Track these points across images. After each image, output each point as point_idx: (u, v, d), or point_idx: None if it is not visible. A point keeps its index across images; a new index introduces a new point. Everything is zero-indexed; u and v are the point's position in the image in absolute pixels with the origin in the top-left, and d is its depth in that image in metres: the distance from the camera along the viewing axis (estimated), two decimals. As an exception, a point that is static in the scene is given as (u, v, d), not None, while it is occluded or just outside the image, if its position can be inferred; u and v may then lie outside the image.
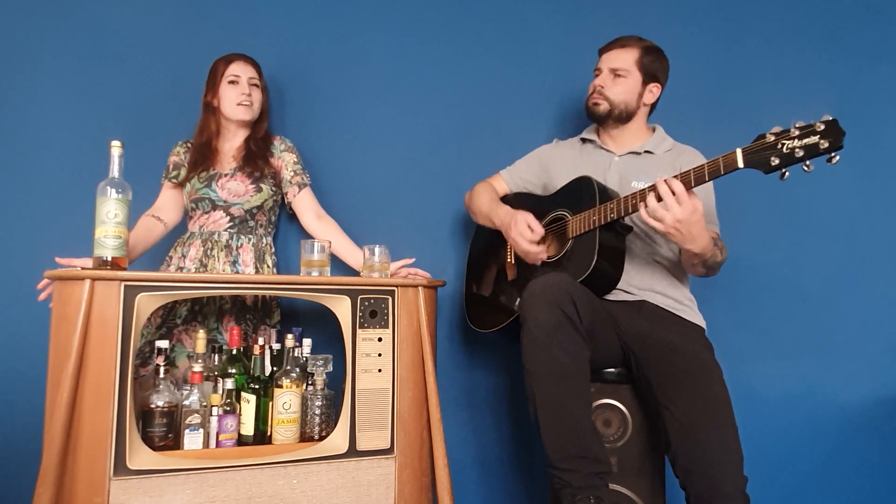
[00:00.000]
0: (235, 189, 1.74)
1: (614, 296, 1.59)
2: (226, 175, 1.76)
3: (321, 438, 1.45)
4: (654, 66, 1.70)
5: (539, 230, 1.59)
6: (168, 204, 1.81)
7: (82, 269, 1.30)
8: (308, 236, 1.86)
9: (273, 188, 1.81)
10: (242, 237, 1.76)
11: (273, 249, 1.83)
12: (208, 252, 1.72)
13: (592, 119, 1.76)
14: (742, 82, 2.25)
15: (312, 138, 1.92)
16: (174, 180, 1.80)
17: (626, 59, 1.68)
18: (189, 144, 1.83)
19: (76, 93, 1.89)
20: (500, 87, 2.16)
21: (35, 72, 1.87)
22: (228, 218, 1.76)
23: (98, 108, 1.90)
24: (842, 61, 2.28)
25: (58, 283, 1.30)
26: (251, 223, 1.78)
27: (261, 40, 1.98)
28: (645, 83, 1.70)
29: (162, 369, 1.36)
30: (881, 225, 2.21)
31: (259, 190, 1.77)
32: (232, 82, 1.78)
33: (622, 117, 1.71)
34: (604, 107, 1.70)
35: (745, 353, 2.12)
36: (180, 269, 1.71)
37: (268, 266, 1.78)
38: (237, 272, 1.71)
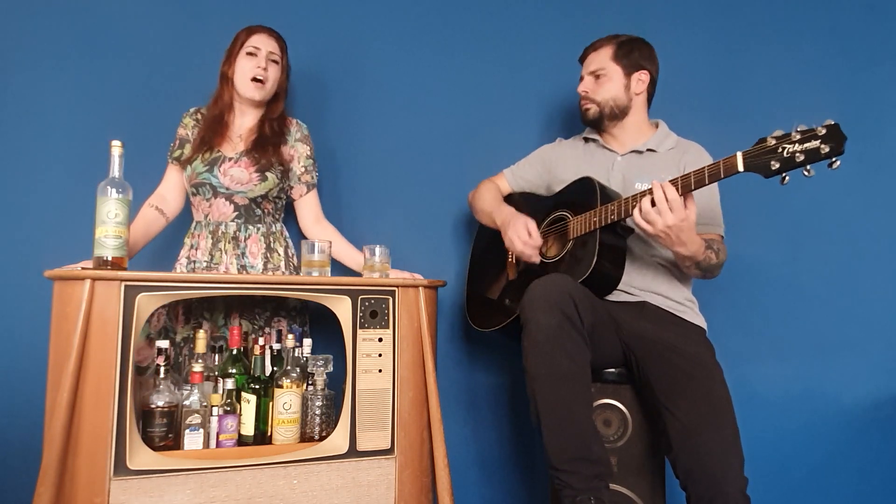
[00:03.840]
0: (238, 176, 1.67)
1: (615, 296, 1.59)
2: (230, 160, 1.68)
3: (321, 438, 1.45)
4: (632, 56, 1.70)
5: (536, 237, 1.60)
6: (172, 190, 1.74)
7: (82, 268, 1.30)
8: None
9: (279, 176, 1.73)
10: (250, 227, 1.72)
11: (286, 234, 1.80)
12: (216, 244, 1.69)
13: (587, 124, 1.78)
14: (742, 82, 2.25)
15: (314, 139, 1.92)
16: (177, 162, 1.72)
17: (600, 59, 1.71)
18: (200, 114, 1.76)
19: (76, 93, 1.89)
20: (502, 88, 2.16)
21: (35, 71, 1.87)
22: (233, 207, 1.70)
23: (98, 108, 1.89)
24: (842, 61, 2.28)
25: (58, 283, 1.30)
26: (258, 211, 1.73)
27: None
28: (628, 74, 1.70)
29: (162, 369, 1.36)
30: (881, 225, 2.21)
31: (264, 179, 1.69)
32: (250, 54, 1.68)
33: (616, 114, 1.71)
34: (593, 110, 1.72)
35: (745, 353, 2.12)
36: (193, 261, 1.68)
37: (278, 255, 1.73)
38: (244, 265, 1.69)
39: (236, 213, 1.71)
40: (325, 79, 2.06)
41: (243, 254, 1.70)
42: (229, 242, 1.70)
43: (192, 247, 1.71)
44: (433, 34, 2.13)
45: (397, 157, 2.08)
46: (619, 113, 1.71)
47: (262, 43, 1.70)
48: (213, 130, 1.70)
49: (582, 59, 1.78)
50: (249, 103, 1.75)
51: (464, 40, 2.15)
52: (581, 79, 1.76)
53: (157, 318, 1.65)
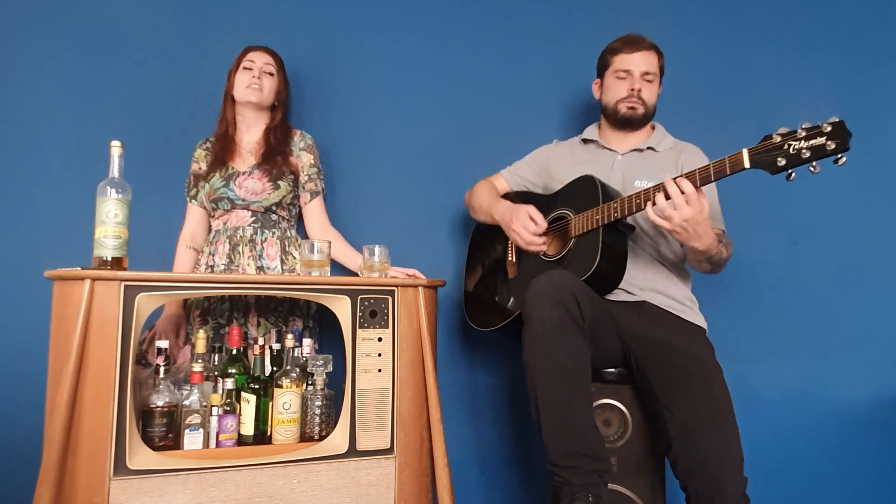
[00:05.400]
0: (253, 187, 1.75)
1: (615, 296, 1.59)
2: (244, 173, 1.77)
3: (321, 438, 1.45)
4: (663, 65, 1.73)
5: (542, 222, 1.60)
6: (197, 228, 1.84)
7: (82, 268, 1.30)
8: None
9: (291, 184, 1.81)
10: (266, 231, 1.77)
11: (298, 241, 1.84)
12: (234, 248, 1.74)
13: (623, 123, 1.70)
14: (742, 83, 2.25)
15: (313, 138, 1.92)
16: (194, 202, 1.82)
17: (653, 62, 1.68)
18: (209, 143, 1.85)
19: (76, 93, 1.89)
20: (501, 87, 2.16)
21: (35, 72, 1.87)
22: (250, 213, 1.77)
23: (98, 108, 1.90)
24: (843, 62, 2.27)
25: (58, 283, 1.30)
26: (273, 217, 1.79)
27: (262, 39, 1.98)
28: (660, 82, 1.74)
29: (162, 369, 1.36)
30: (881, 225, 2.21)
31: (277, 188, 1.77)
32: (246, 68, 1.80)
33: (648, 119, 1.72)
34: (641, 111, 1.68)
35: (745, 353, 2.11)
36: (210, 267, 1.73)
37: (293, 257, 1.79)
38: (261, 266, 1.73)
39: (253, 218, 1.77)
40: (323, 77, 2.06)
41: (261, 256, 1.75)
42: (246, 245, 1.74)
43: (209, 254, 1.76)
44: (431, 31, 2.13)
45: (396, 157, 2.08)
46: (650, 119, 1.73)
47: (256, 57, 1.82)
48: (224, 147, 1.80)
49: (625, 52, 1.68)
50: (250, 109, 1.81)
51: (463, 37, 2.15)
52: (626, 73, 1.67)
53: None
